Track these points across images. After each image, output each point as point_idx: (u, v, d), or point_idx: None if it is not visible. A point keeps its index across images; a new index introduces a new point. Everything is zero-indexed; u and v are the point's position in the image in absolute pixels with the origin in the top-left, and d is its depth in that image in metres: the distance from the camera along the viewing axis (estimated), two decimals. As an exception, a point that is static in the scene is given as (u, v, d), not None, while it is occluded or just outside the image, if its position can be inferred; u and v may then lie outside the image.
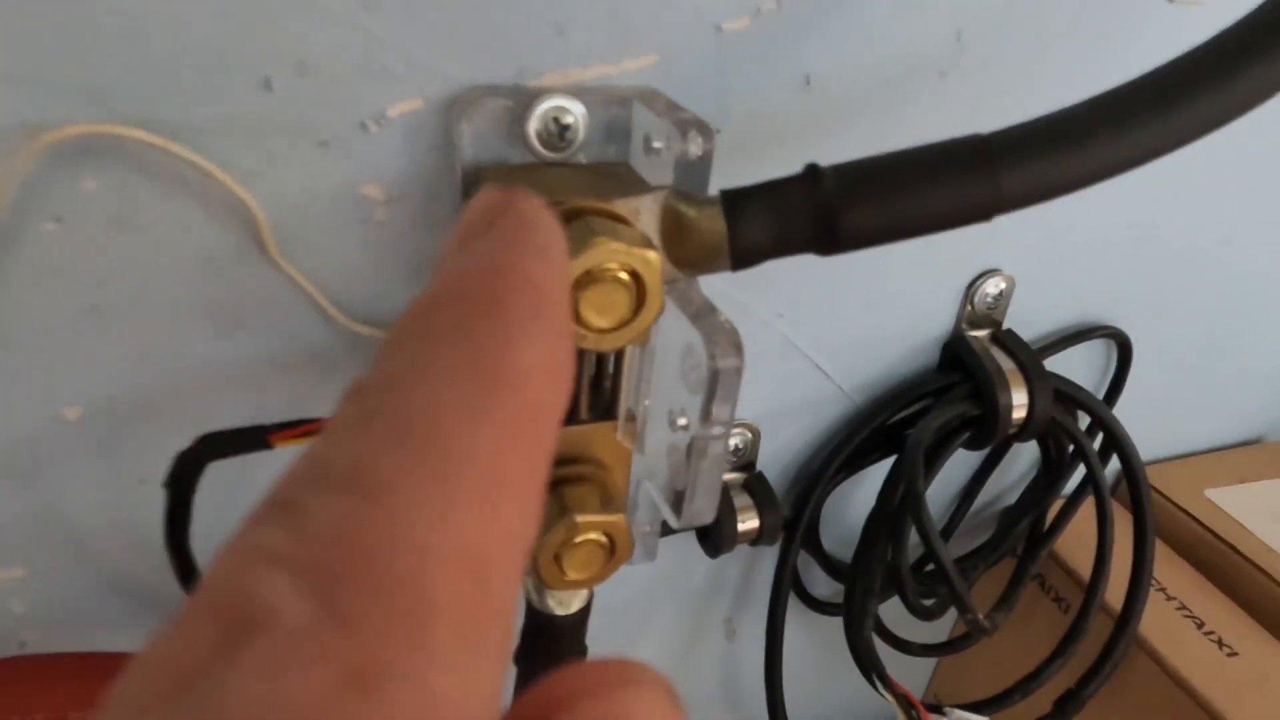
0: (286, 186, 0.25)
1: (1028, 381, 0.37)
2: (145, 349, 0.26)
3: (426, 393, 0.10)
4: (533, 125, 0.25)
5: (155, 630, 0.08)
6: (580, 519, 0.25)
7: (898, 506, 0.37)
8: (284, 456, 0.29)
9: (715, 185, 0.23)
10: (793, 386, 0.37)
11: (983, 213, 0.21)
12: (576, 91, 0.25)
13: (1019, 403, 0.37)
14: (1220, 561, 0.46)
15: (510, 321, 0.11)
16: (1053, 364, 0.39)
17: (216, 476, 0.25)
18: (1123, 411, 0.42)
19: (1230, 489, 0.51)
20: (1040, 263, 0.38)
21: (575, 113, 0.25)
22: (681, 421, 0.23)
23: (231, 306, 0.26)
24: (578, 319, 0.21)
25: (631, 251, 0.20)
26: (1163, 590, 0.44)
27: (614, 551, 0.26)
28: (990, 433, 0.37)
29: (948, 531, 0.45)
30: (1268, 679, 0.40)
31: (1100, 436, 0.41)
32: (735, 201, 0.22)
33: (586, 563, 0.26)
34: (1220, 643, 0.41)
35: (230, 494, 0.27)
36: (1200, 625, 0.42)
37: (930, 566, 0.43)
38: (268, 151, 0.24)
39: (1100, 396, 0.43)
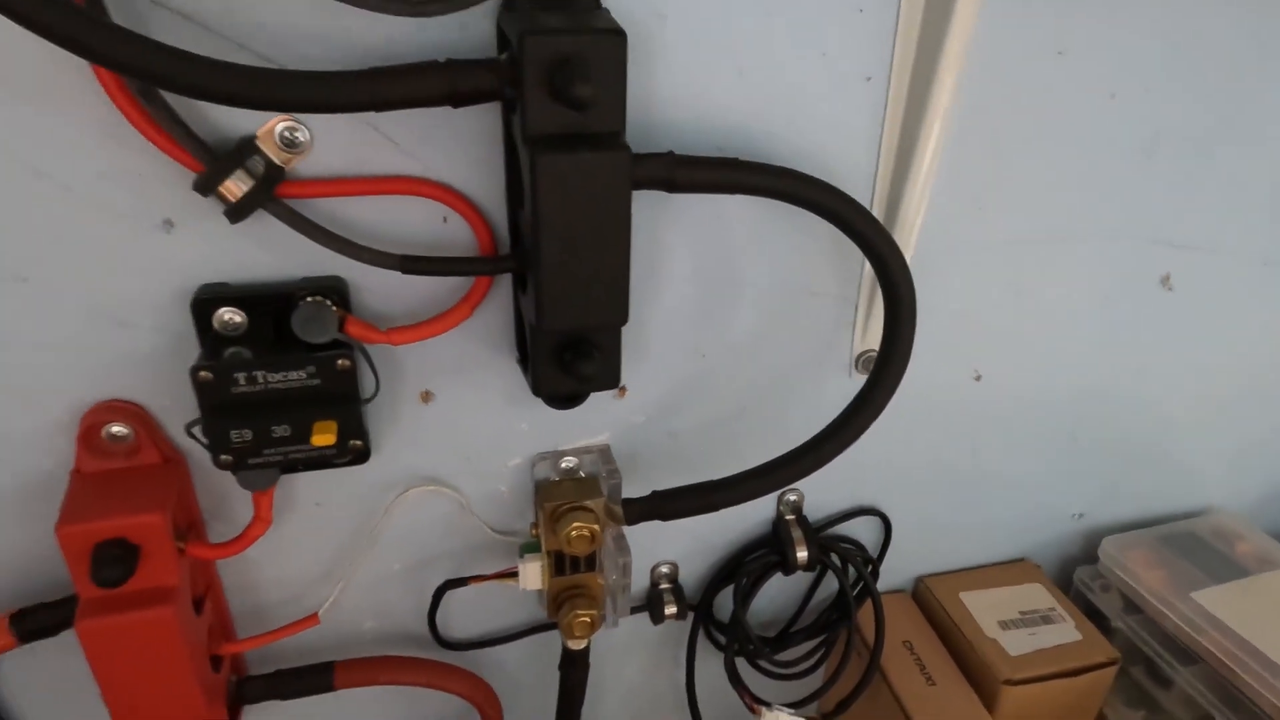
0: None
1: (807, 542, 0.76)
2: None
3: None
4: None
5: None
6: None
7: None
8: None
9: None
10: (697, 548, 0.77)
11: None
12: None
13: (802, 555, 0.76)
14: (955, 634, 0.83)
15: None
16: (845, 529, 0.79)
17: None
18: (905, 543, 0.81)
19: (978, 593, 0.88)
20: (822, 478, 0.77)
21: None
22: (613, 577, 0.64)
23: None
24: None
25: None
26: (909, 645, 0.82)
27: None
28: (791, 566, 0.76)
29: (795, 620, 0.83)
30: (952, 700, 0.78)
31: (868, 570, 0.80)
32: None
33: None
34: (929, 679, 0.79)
35: None
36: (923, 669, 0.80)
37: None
38: None
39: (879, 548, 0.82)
